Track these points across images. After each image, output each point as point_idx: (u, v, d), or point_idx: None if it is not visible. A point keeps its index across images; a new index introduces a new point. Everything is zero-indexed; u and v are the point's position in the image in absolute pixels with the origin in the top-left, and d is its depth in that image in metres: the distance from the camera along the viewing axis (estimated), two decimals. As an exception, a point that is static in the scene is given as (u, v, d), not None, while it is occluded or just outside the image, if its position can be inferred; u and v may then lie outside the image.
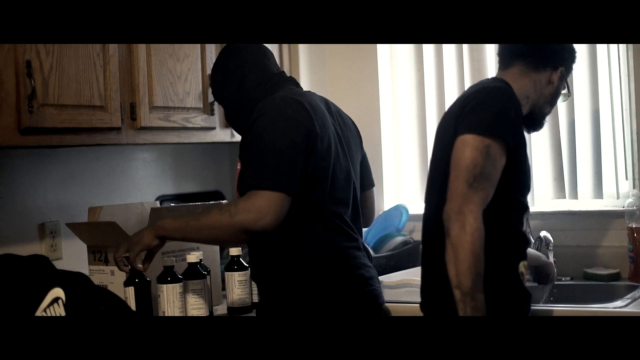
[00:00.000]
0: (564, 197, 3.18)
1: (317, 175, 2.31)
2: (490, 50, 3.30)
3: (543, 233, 2.98)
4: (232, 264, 2.69)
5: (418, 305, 2.41)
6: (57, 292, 2.18)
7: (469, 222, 2.08)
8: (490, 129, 2.15)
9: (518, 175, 2.26)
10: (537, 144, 3.22)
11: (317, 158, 2.30)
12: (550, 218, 3.16)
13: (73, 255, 2.89)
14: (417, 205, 3.32)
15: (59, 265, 2.85)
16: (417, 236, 2.73)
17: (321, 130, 2.31)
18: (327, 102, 2.49)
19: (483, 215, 2.13)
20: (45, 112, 2.41)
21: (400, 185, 3.59)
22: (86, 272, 2.69)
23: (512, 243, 2.27)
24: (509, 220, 2.26)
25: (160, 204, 3.18)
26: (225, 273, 2.71)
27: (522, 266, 2.29)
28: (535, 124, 2.45)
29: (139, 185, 3.25)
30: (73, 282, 2.22)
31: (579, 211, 3.14)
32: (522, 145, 2.27)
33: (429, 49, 3.45)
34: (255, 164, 2.25)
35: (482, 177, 2.12)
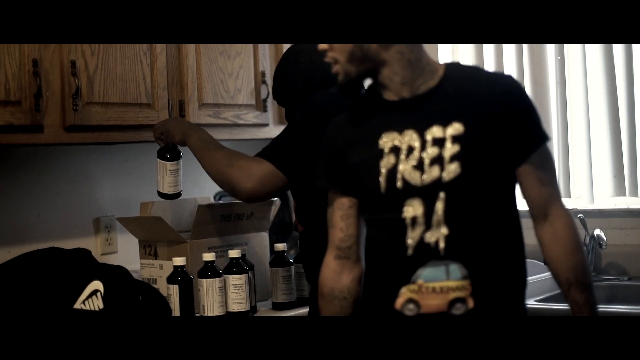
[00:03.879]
0: (624, 195, 3.08)
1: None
2: (551, 50, 3.24)
3: (597, 231, 2.90)
4: (277, 260, 2.71)
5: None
6: (96, 284, 2.24)
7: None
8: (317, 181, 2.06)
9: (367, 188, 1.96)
10: (597, 139, 3.13)
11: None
12: (610, 216, 3.07)
13: (128, 249, 2.95)
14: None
15: (115, 259, 2.93)
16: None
17: None
18: None
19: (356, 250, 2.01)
20: (91, 110, 2.48)
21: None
22: (138, 266, 2.75)
23: (388, 269, 1.94)
24: (375, 246, 1.98)
25: (219, 199, 3.23)
26: (270, 269, 2.72)
27: (407, 291, 1.87)
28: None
29: (197, 181, 3.28)
30: (112, 275, 2.28)
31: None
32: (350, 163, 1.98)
33: (489, 49, 3.38)
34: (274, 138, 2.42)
35: (328, 226, 2.04)
